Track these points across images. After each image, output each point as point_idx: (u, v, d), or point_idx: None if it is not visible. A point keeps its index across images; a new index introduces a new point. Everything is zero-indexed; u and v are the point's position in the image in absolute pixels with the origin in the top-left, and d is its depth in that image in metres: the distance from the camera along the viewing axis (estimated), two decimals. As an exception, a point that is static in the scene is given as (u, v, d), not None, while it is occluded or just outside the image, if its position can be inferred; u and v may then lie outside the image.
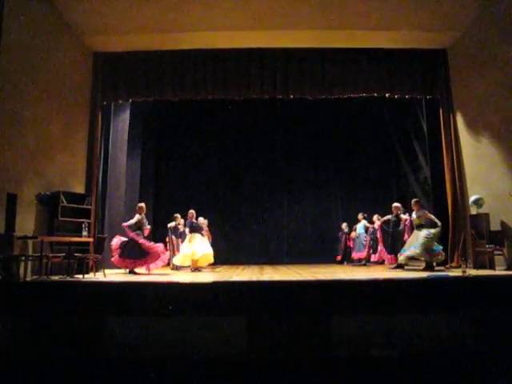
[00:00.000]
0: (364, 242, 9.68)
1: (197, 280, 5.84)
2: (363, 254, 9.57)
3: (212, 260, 8.41)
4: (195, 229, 8.23)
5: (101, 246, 6.91)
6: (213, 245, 9.03)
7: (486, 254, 6.96)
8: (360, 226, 9.92)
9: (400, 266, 7.32)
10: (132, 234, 6.97)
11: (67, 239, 6.59)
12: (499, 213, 7.07)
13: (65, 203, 6.96)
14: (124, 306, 4.22)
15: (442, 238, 8.08)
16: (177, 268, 8.40)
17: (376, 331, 4.01)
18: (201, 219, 8.78)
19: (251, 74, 8.23)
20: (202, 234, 8.45)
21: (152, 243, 7.15)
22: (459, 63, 8.01)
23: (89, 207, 7.48)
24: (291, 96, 8.27)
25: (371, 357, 3.35)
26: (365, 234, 9.75)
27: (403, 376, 3.24)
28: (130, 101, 8.66)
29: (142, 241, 6.96)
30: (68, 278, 6.03)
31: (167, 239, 8.92)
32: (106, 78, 8.20)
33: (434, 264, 6.99)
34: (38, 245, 6.16)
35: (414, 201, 7.44)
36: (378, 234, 9.15)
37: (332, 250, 10.92)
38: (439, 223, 7.00)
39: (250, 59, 8.26)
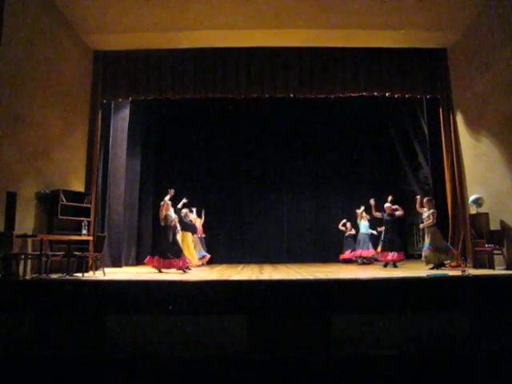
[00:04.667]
0: (367, 241, 9.64)
1: (197, 279, 5.85)
2: (369, 253, 9.54)
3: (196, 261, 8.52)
4: (187, 227, 8.33)
5: (100, 244, 6.90)
6: (212, 243, 9.09)
7: (486, 254, 6.97)
8: (363, 225, 9.86)
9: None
10: None
11: (67, 238, 6.59)
12: (499, 212, 7.07)
13: (64, 201, 6.95)
14: (124, 305, 4.21)
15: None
16: None
17: (376, 330, 4.02)
18: (194, 216, 8.88)
19: (251, 72, 8.21)
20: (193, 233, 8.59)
21: None
22: (459, 62, 8.01)
23: (88, 205, 7.47)
24: (291, 95, 8.27)
25: (371, 356, 3.36)
26: (368, 234, 9.73)
27: (403, 376, 3.24)
28: (130, 99, 8.66)
29: None
30: (67, 277, 6.03)
31: None
32: (106, 76, 8.19)
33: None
34: (37, 243, 6.16)
35: (427, 199, 7.55)
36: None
37: (331, 249, 10.92)
38: None
39: (249, 58, 8.25)
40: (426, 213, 7.30)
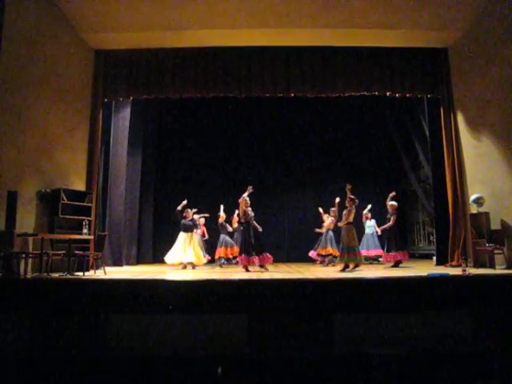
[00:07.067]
0: (375, 242, 9.57)
1: (197, 278, 5.85)
2: (374, 252, 9.48)
3: (204, 261, 8.50)
4: (188, 228, 8.36)
5: (101, 243, 6.91)
6: (214, 243, 9.09)
7: (486, 253, 6.97)
8: (369, 226, 9.78)
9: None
10: None
11: (67, 236, 6.59)
12: (499, 212, 7.07)
13: (65, 200, 6.96)
14: (124, 304, 4.22)
15: (442, 237, 8.13)
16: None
17: (377, 330, 4.02)
18: (196, 217, 8.88)
19: (252, 72, 8.21)
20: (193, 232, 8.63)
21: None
22: (460, 62, 7.99)
23: (89, 204, 7.47)
24: (292, 94, 8.26)
25: (372, 356, 3.36)
26: (374, 234, 9.64)
27: (403, 375, 3.24)
28: (131, 98, 8.65)
29: None
30: (68, 276, 6.04)
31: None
32: (107, 75, 8.19)
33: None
34: (38, 242, 6.18)
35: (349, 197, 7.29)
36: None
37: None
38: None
39: (250, 57, 8.25)
40: (345, 210, 7.29)
